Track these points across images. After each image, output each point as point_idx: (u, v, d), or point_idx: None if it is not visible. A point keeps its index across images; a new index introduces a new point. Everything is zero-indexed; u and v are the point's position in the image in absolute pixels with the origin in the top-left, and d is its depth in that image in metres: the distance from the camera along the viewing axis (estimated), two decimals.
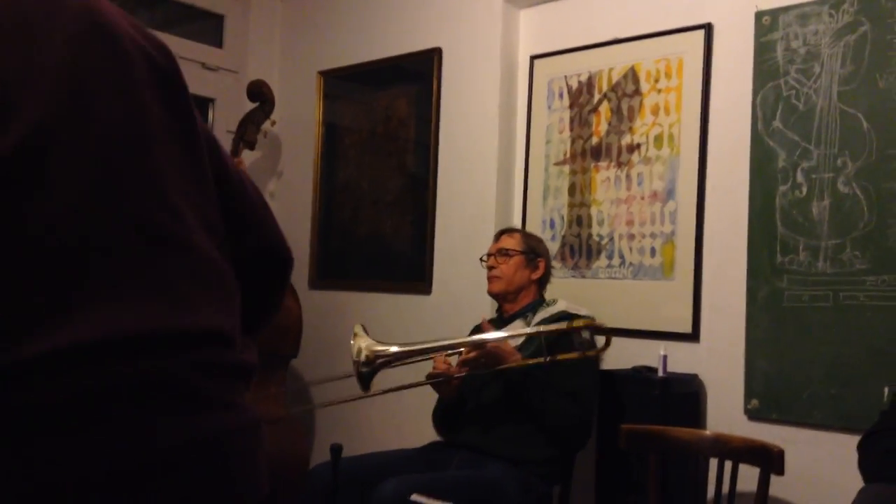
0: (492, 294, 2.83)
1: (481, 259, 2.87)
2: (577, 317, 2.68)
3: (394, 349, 2.40)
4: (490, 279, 2.80)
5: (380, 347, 2.38)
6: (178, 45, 3.97)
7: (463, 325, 2.95)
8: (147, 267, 0.81)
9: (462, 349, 2.54)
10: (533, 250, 2.81)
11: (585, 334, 2.55)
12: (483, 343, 2.49)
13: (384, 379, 3.75)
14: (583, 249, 3.16)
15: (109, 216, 0.80)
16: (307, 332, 3.50)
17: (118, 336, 0.77)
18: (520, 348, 2.61)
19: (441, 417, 2.82)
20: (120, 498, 0.75)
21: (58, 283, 0.76)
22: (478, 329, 2.76)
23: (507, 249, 2.78)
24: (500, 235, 2.87)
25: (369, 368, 2.37)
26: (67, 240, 0.77)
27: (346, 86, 3.99)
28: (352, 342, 2.40)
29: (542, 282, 2.84)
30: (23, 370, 0.72)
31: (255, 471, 0.87)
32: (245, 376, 0.91)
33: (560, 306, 2.73)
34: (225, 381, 0.86)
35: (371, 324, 2.56)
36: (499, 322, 2.79)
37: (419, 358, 2.53)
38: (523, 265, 2.78)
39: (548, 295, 2.87)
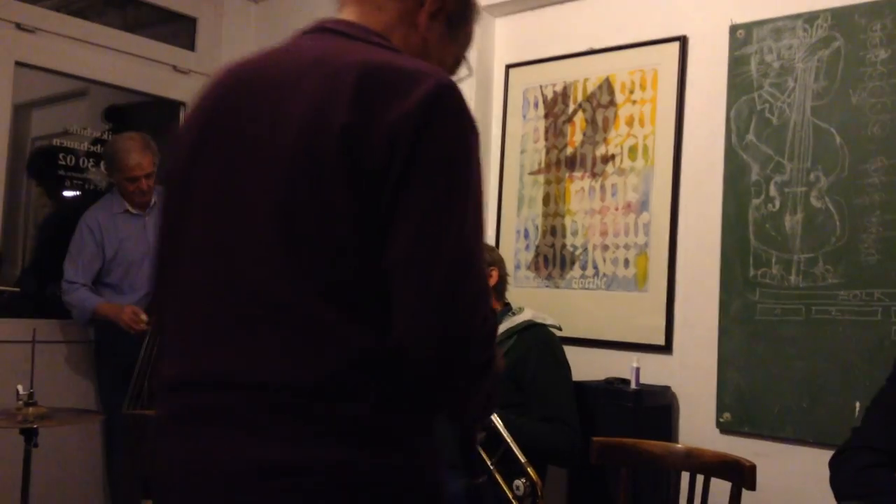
0: None
1: None
2: (543, 326, 2.67)
3: None
4: None
5: None
6: (149, 48, 3.91)
7: None
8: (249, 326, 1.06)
9: None
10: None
11: (522, 488, 2.43)
12: None
13: None
14: (556, 260, 3.15)
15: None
16: None
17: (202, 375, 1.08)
18: None
19: None
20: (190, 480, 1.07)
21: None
22: None
23: None
24: None
25: None
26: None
27: None
28: None
29: (499, 290, 2.80)
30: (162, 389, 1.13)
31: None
32: (314, 421, 1.02)
33: (526, 315, 2.71)
34: (285, 420, 1.02)
35: None
36: None
37: None
38: None
39: (517, 303, 2.84)
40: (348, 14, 1.21)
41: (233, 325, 1.05)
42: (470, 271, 1.04)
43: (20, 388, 2.51)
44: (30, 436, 2.46)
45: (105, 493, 3.59)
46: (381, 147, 0.99)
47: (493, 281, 2.77)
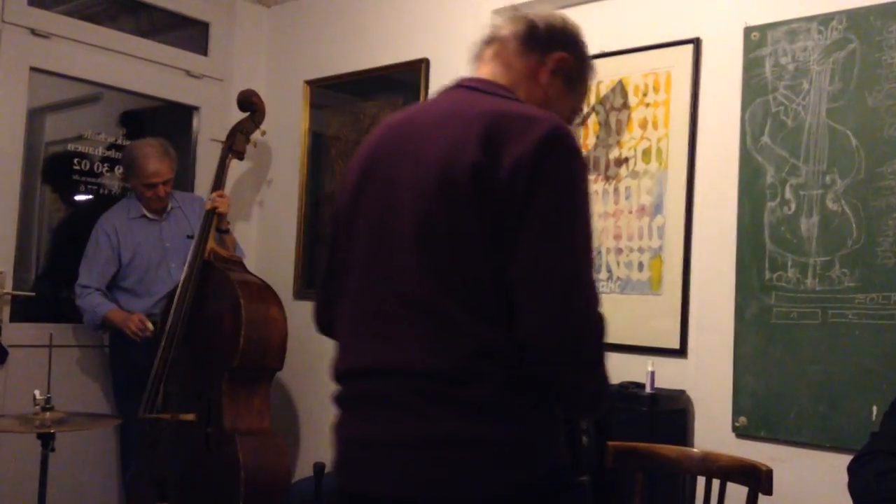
0: None
1: None
2: None
3: None
4: None
5: None
6: (162, 53, 3.93)
7: None
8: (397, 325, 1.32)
9: None
10: None
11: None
12: None
13: None
14: None
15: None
16: (291, 344, 3.45)
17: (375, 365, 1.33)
18: None
19: None
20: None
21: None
22: None
23: None
24: None
25: None
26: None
27: (332, 95, 3.96)
28: None
29: None
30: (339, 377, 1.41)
31: (420, 471, 1.25)
32: (454, 403, 1.26)
33: None
34: (429, 402, 1.26)
35: None
36: None
37: None
38: None
39: None
40: (482, 72, 1.48)
41: (384, 325, 1.32)
42: (580, 283, 1.25)
43: (37, 392, 2.53)
44: (46, 440, 2.47)
45: (120, 497, 3.60)
46: (504, 181, 1.23)
47: None
